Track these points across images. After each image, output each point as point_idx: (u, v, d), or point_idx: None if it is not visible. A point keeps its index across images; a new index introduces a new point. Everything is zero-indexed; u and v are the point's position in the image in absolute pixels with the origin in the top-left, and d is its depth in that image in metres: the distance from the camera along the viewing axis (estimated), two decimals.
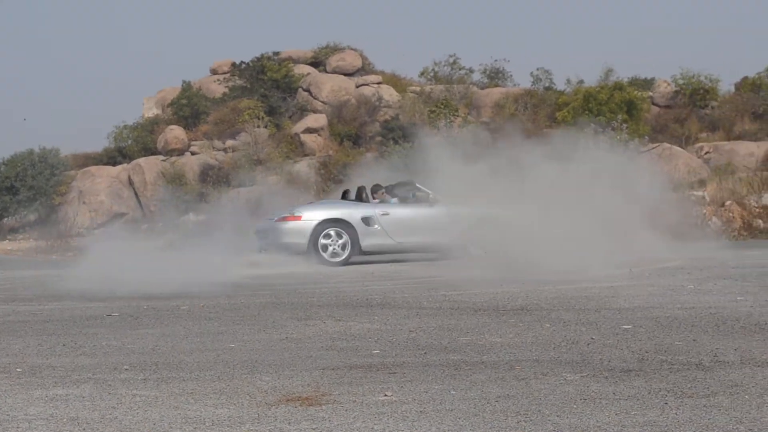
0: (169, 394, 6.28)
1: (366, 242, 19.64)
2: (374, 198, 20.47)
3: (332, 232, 19.47)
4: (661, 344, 7.72)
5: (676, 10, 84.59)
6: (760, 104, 40.77)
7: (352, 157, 38.61)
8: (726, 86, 44.69)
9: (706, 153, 37.53)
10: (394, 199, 20.52)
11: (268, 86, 44.26)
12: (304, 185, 36.81)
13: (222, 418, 5.61)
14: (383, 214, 19.94)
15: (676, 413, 5.40)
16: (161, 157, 43.40)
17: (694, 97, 42.14)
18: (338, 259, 19.31)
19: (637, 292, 11.66)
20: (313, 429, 5.32)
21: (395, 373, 6.85)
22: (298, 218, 19.52)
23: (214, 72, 49.20)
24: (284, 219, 19.66)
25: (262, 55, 46.45)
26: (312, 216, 19.59)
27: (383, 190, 20.75)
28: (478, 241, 18.84)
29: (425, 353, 7.67)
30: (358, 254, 19.70)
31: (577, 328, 8.79)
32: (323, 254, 19.31)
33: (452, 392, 6.13)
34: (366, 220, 19.78)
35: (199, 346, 8.39)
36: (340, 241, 19.43)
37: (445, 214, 19.78)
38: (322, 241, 19.42)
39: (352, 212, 19.80)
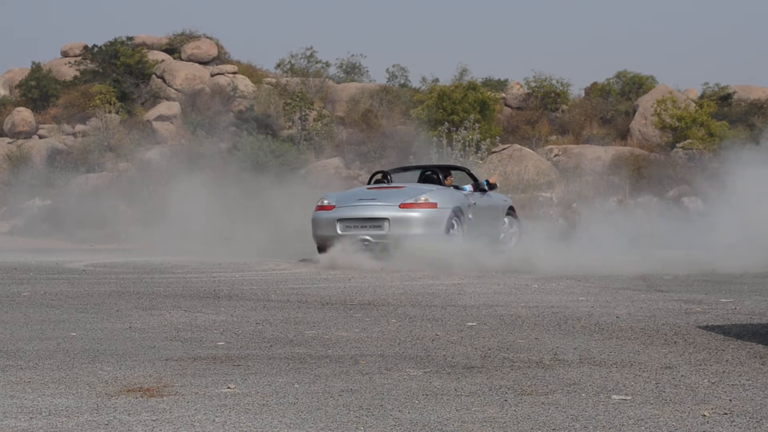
0: (5, 383, 6.12)
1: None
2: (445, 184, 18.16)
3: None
4: (503, 342, 7.84)
5: (530, 13, 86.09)
6: (609, 110, 41.77)
7: (204, 147, 38.25)
8: (576, 91, 45.70)
9: (555, 155, 38.29)
10: (468, 187, 18.37)
11: (121, 71, 43.54)
12: (155, 173, 36.32)
13: (59, 408, 5.48)
14: (472, 204, 17.84)
15: (515, 410, 5.49)
16: (7, 140, 42.31)
17: (546, 100, 42.94)
18: None
19: (482, 289, 11.82)
20: (153, 420, 5.24)
21: (239, 365, 6.80)
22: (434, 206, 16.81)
23: (65, 54, 48.17)
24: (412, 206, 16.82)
25: (116, 40, 45.67)
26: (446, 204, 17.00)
27: (451, 176, 18.48)
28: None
29: (270, 346, 7.63)
30: None
31: (422, 324, 8.86)
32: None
33: (296, 386, 6.12)
34: (459, 211, 17.32)
35: (38, 334, 8.19)
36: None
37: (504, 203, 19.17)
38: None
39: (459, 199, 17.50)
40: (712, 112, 39.14)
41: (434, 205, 16.64)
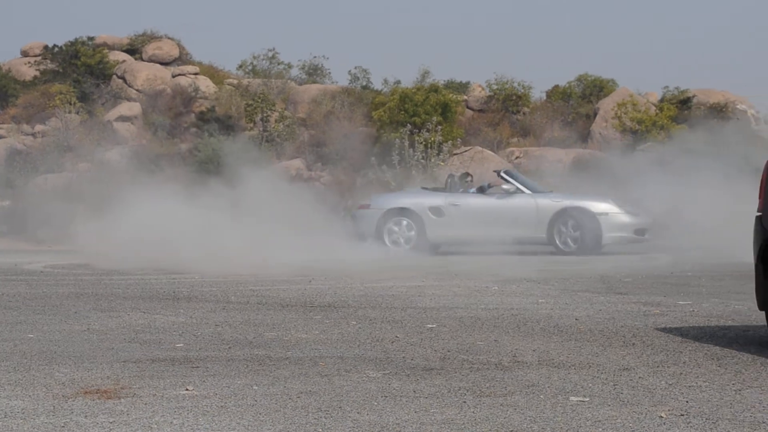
0: None
1: (433, 233, 19.35)
2: (461, 187, 20.16)
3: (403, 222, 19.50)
4: (463, 344, 7.85)
5: (492, 15, 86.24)
6: (570, 112, 41.93)
7: (165, 148, 38.05)
8: (538, 93, 45.77)
9: (516, 158, 38.38)
10: (472, 189, 20.13)
11: (82, 72, 43.25)
12: (115, 173, 36.07)
13: (16, 410, 5.44)
14: (453, 205, 19.65)
15: (473, 412, 5.50)
16: None
17: (507, 102, 43.04)
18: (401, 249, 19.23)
19: (442, 292, 11.84)
20: (111, 423, 5.21)
21: (198, 367, 6.77)
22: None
23: (24, 54, 47.75)
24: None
25: (76, 40, 45.36)
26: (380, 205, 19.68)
27: (470, 179, 20.46)
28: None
29: (230, 348, 7.61)
30: (426, 245, 19.39)
31: (382, 326, 8.86)
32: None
33: (255, 387, 6.10)
34: (435, 210, 19.50)
35: None
36: (409, 232, 19.39)
37: (528, 205, 19.44)
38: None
39: (420, 201, 19.68)
40: (672, 115, 39.37)
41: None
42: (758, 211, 7.97)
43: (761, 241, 7.82)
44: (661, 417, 5.38)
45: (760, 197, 7.99)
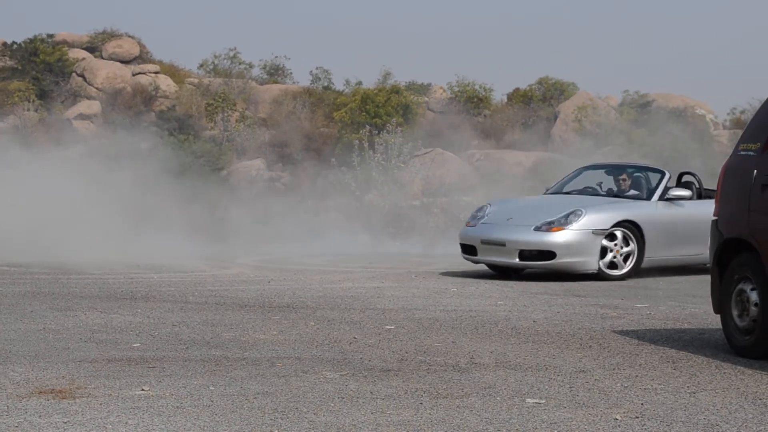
0: None
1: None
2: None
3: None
4: (421, 345, 7.86)
5: (453, 17, 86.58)
6: (530, 115, 42.11)
7: (124, 146, 37.87)
8: (499, 96, 45.99)
9: (477, 160, 38.53)
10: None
11: (41, 69, 43.00)
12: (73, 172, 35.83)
13: None
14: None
15: (430, 413, 5.51)
16: None
17: (468, 105, 43.17)
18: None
19: (401, 293, 11.84)
20: (65, 423, 5.18)
21: (154, 367, 6.74)
22: None
23: None
24: None
25: (35, 37, 45.09)
26: None
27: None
28: None
29: (187, 348, 7.58)
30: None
31: (340, 327, 8.85)
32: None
33: (211, 388, 6.08)
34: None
35: None
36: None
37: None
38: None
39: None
40: (631, 119, 39.67)
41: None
42: (714, 216, 8.04)
43: (717, 245, 7.88)
44: (617, 419, 5.41)
45: (716, 202, 8.05)
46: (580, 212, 13.86)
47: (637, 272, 14.05)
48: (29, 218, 18.37)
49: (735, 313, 7.63)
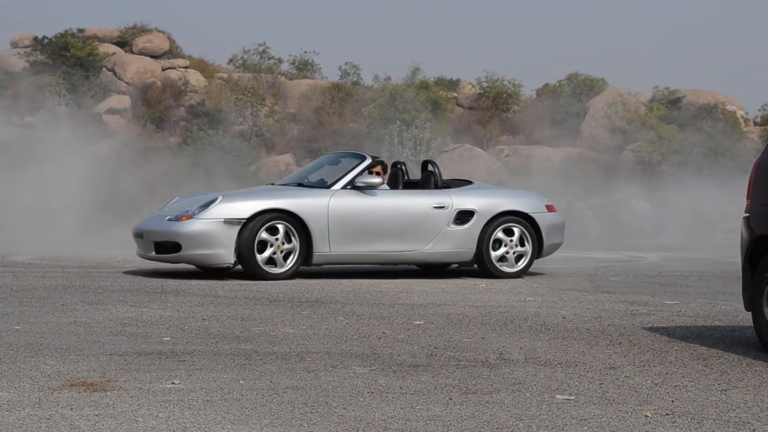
0: None
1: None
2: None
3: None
4: (450, 340, 7.86)
5: (483, 13, 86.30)
6: (559, 111, 41.94)
7: (154, 141, 38.01)
8: (528, 92, 45.83)
9: (506, 156, 38.43)
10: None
11: (71, 63, 43.17)
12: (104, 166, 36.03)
13: (1, 402, 5.43)
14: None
15: (459, 409, 5.50)
16: None
17: (497, 100, 43.06)
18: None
19: (430, 288, 11.84)
20: (96, 415, 5.20)
21: (185, 361, 6.77)
22: None
23: (14, 45, 47.67)
24: None
25: (66, 31, 45.27)
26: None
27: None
28: None
29: (216, 342, 7.61)
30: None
31: (369, 322, 8.86)
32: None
33: (241, 382, 6.10)
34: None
35: None
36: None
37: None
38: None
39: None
40: (661, 115, 39.47)
41: None
42: (746, 212, 8.00)
43: (748, 242, 7.84)
44: (647, 416, 5.40)
45: (747, 198, 8.01)
46: (215, 200, 12.66)
47: (297, 271, 12.66)
48: (53, 212, 18.45)
49: (766, 310, 7.59)
